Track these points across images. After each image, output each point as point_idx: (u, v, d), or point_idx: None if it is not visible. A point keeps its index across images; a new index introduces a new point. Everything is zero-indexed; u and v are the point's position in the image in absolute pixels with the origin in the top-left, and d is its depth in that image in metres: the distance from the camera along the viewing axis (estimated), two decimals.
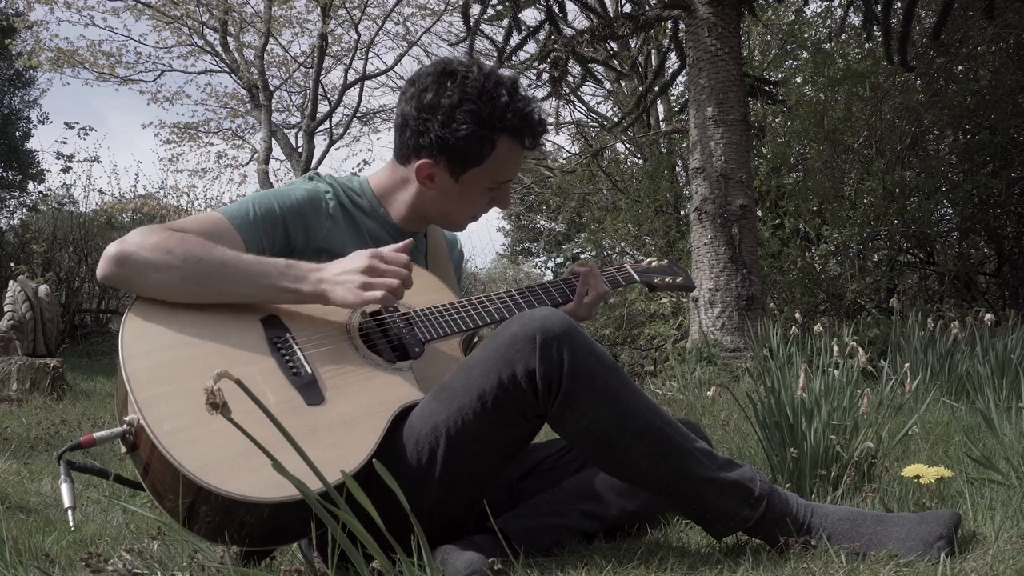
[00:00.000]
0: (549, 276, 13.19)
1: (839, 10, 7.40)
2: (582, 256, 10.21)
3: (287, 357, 1.47)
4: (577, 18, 10.28)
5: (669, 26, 6.35)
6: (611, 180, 9.90)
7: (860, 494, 1.77)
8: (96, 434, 1.38)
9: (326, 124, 13.10)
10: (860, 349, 2.30)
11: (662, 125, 9.72)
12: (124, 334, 1.42)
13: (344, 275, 1.50)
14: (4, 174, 12.01)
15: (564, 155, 12.49)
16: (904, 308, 4.83)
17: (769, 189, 7.27)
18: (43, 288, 6.55)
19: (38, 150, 14.66)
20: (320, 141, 15.79)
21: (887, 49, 5.16)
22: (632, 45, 8.90)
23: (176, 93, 14.90)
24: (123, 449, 1.38)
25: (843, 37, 7.72)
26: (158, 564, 1.37)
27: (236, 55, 12.62)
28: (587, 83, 9.56)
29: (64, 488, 1.36)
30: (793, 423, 1.99)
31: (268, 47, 12.51)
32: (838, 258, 7.18)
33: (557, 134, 12.57)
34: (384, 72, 13.38)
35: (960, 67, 7.29)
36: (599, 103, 11.83)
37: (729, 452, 2.33)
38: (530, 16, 8.86)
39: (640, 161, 10.30)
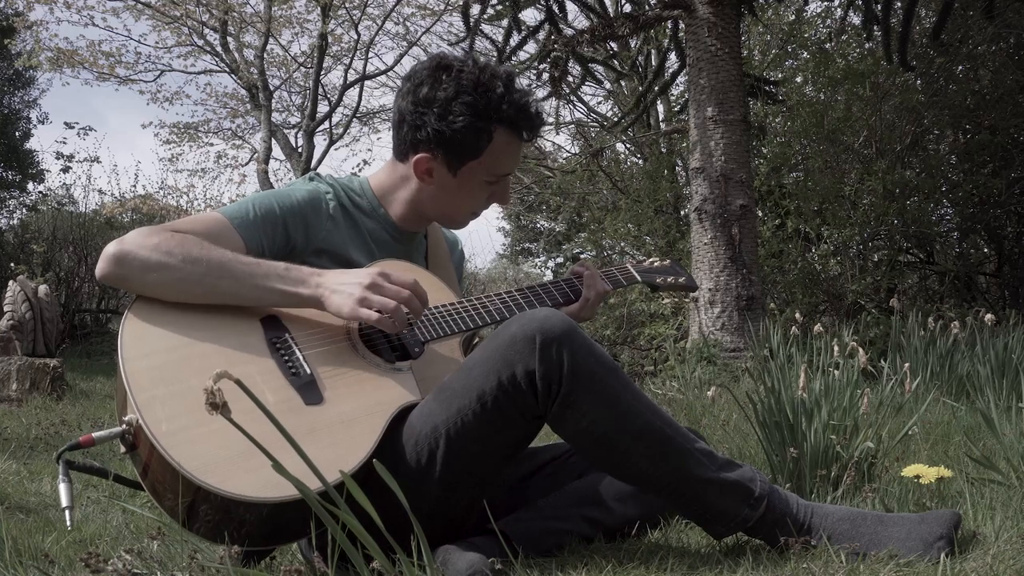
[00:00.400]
0: (549, 276, 13.19)
1: (839, 10, 7.40)
2: (582, 256, 10.20)
3: (286, 357, 1.47)
4: (577, 18, 10.28)
5: (669, 26, 6.35)
6: (611, 180, 9.90)
7: (860, 494, 1.76)
8: (95, 434, 1.38)
9: (326, 124, 13.10)
10: (860, 349, 2.30)
11: (662, 125, 9.72)
12: (123, 335, 1.42)
13: (344, 285, 1.50)
14: (4, 174, 12.01)
15: (564, 155, 12.51)
16: (904, 308, 4.83)
17: (771, 189, 7.27)
18: (43, 288, 6.55)
19: (38, 150, 14.69)
20: (320, 141, 15.82)
21: (887, 49, 5.16)
22: (632, 45, 8.90)
23: (176, 93, 14.91)
24: (122, 449, 1.38)
25: (843, 37, 7.72)
26: (158, 564, 1.37)
27: (236, 55, 12.62)
28: (587, 83, 9.55)
29: (62, 488, 1.36)
30: (793, 423, 1.99)
31: (268, 47, 12.51)
32: (838, 258, 7.18)
33: (557, 134, 12.59)
34: (384, 72, 13.38)
35: (960, 67, 7.29)
36: (599, 103, 11.85)
37: (729, 452, 2.33)
38: (530, 16, 8.87)
39: (640, 161, 10.30)
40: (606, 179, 10.02)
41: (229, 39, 12.52)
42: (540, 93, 6.82)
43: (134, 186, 15.13)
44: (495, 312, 1.68)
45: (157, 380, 1.38)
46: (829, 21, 8.24)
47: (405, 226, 1.75)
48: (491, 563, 1.37)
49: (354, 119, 13.72)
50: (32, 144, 12.79)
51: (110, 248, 1.46)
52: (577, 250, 11.10)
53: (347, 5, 11.92)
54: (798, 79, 8.13)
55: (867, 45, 7.28)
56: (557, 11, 6.18)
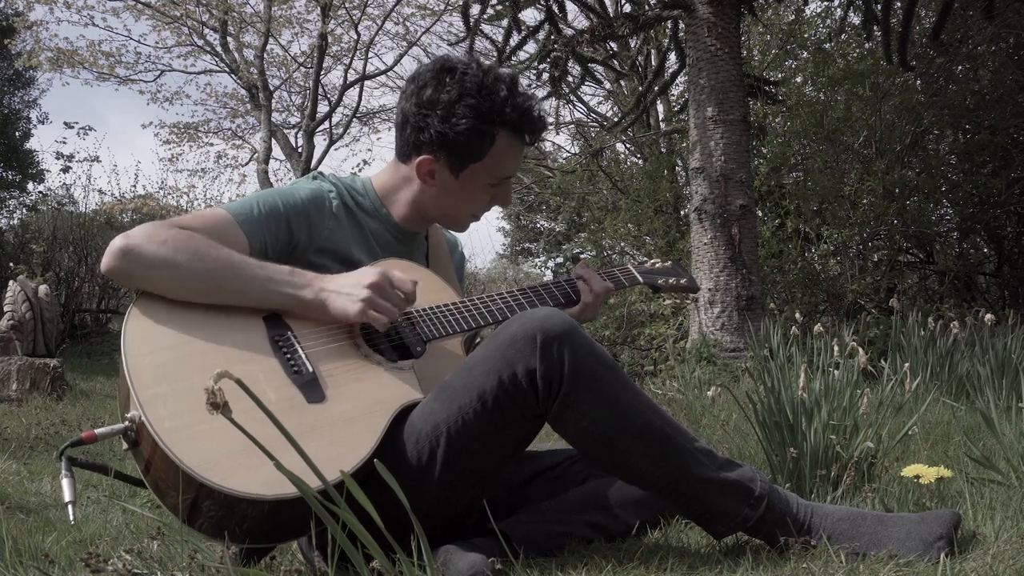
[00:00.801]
0: (549, 276, 13.20)
1: (839, 10, 7.40)
2: (583, 256, 10.20)
3: (288, 355, 1.48)
4: (577, 18, 10.28)
5: (669, 26, 6.35)
6: (611, 180, 9.90)
7: (860, 494, 1.77)
8: (98, 430, 1.38)
9: (326, 124, 13.10)
10: (860, 349, 2.30)
11: (662, 125, 9.72)
12: (126, 332, 1.43)
13: (348, 288, 1.51)
14: (4, 174, 12.02)
15: (564, 155, 12.50)
16: (904, 308, 4.83)
17: (771, 189, 7.27)
18: (43, 288, 6.55)
19: (38, 150, 14.69)
20: (320, 141, 15.79)
21: (887, 49, 5.16)
22: (632, 45, 8.91)
23: (176, 93, 14.90)
24: (124, 445, 1.38)
25: (843, 37, 7.72)
26: (158, 564, 1.37)
27: (236, 55, 12.62)
28: (587, 83, 9.55)
29: (65, 483, 1.36)
30: (793, 423, 1.99)
31: (268, 47, 12.51)
32: (838, 258, 7.18)
33: (557, 134, 12.58)
34: (384, 72, 13.39)
35: (960, 67, 7.30)
36: (599, 103, 11.85)
37: (729, 452, 2.33)
38: (530, 16, 8.86)
39: (640, 161, 10.30)
40: (606, 179, 10.02)
41: (229, 39, 12.53)
42: (540, 93, 6.82)
43: (134, 186, 15.13)
44: (496, 312, 1.68)
45: (160, 377, 1.39)
46: (829, 21, 8.25)
47: (407, 226, 1.75)
48: (491, 563, 1.37)
49: (354, 119, 13.73)
50: (32, 144, 12.82)
51: (117, 242, 1.46)
52: (577, 250, 11.10)
53: (347, 5, 11.92)
54: (798, 79, 8.13)
55: (867, 45, 7.29)
56: (557, 11, 6.19)
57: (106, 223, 11.23)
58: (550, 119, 5.22)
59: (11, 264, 9.50)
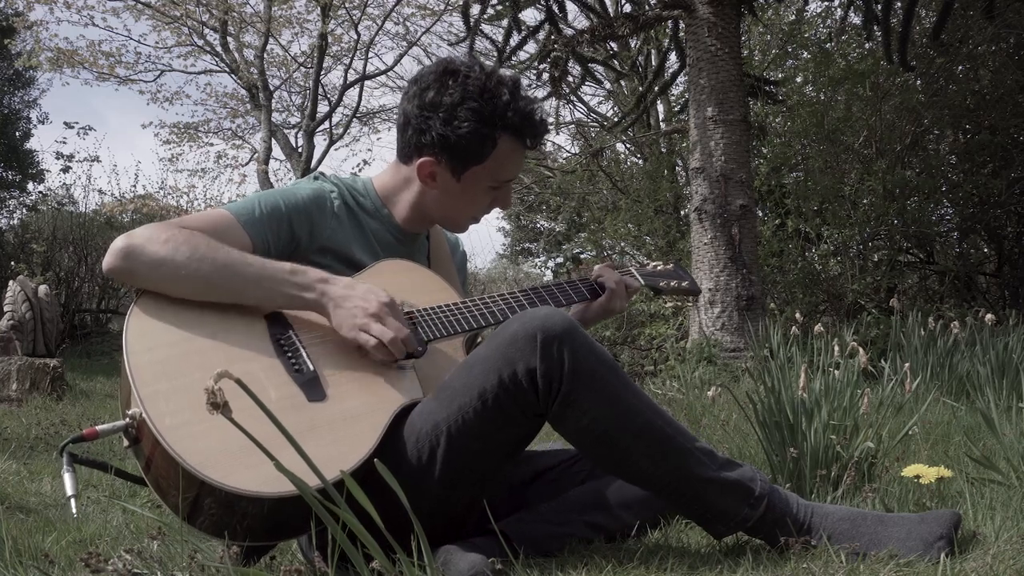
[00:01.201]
0: (549, 276, 13.19)
1: (839, 10, 7.41)
2: (582, 257, 10.20)
3: (290, 354, 1.48)
4: (577, 18, 10.28)
5: (669, 26, 6.35)
6: (611, 180, 9.90)
7: (860, 494, 1.77)
8: (99, 427, 1.39)
9: (326, 124, 13.11)
10: (860, 349, 2.30)
11: (662, 125, 9.72)
12: (128, 329, 1.43)
13: (350, 302, 1.50)
14: (4, 174, 12.02)
15: (564, 155, 12.50)
16: (904, 308, 4.83)
17: (771, 189, 7.27)
18: (43, 288, 6.55)
19: (38, 150, 14.67)
20: (320, 141, 15.80)
21: (887, 49, 5.16)
22: (632, 45, 8.91)
23: (176, 93, 14.92)
24: (125, 443, 1.38)
25: (843, 37, 7.72)
26: (158, 564, 1.37)
27: (236, 55, 12.62)
28: (587, 83, 9.54)
29: (67, 477, 1.36)
30: (793, 423, 1.99)
31: (268, 47, 12.52)
32: (838, 258, 7.18)
33: (557, 134, 12.58)
34: (384, 72, 13.40)
35: (960, 67, 7.30)
36: (599, 103, 11.85)
37: (729, 452, 2.33)
38: (530, 16, 8.87)
39: (640, 161, 10.30)
40: (606, 179, 10.02)
41: (229, 39, 12.53)
42: (540, 93, 6.83)
43: (134, 186, 15.12)
44: (497, 312, 1.68)
45: (160, 375, 1.39)
46: (829, 21, 8.25)
47: (408, 227, 1.76)
48: (492, 563, 1.37)
49: (354, 119, 13.75)
50: (32, 144, 12.82)
51: (119, 242, 1.47)
52: (577, 250, 11.09)
53: (347, 5, 11.93)
54: (798, 79, 8.13)
55: (867, 45, 7.29)
56: (557, 11, 6.19)
57: (106, 223, 11.22)
58: (551, 120, 5.23)
59: (11, 264, 9.51)
